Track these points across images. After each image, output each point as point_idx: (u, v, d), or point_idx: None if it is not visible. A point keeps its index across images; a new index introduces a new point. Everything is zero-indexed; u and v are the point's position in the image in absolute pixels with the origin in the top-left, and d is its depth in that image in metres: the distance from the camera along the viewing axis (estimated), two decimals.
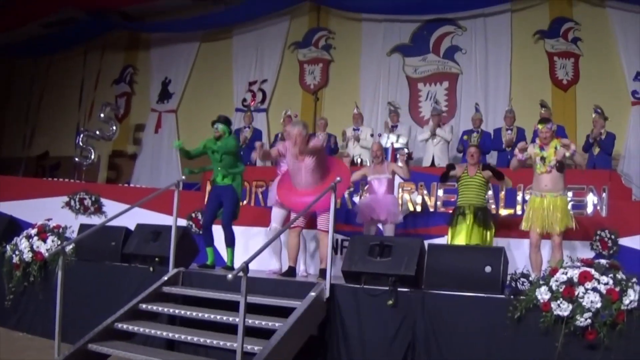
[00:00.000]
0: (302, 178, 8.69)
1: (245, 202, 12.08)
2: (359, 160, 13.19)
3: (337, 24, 17.83)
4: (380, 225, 10.38)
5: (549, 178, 8.66)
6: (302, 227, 8.95)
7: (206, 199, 10.24)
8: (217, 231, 9.77)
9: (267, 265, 10.34)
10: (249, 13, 18.03)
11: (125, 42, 21.12)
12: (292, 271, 8.86)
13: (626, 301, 5.84)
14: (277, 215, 10.26)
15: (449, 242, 9.67)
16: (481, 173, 9.64)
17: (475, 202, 9.54)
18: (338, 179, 7.69)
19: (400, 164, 10.48)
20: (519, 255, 9.95)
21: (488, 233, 9.45)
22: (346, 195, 11.70)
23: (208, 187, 10.91)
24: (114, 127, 18.47)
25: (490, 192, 10.37)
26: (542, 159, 8.72)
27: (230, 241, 9.58)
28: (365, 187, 10.90)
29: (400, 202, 11.34)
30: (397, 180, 11.14)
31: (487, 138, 13.05)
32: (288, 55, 18.21)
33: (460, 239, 9.42)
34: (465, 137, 13.08)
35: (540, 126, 8.94)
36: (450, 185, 10.85)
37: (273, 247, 10.16)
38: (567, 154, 8.65)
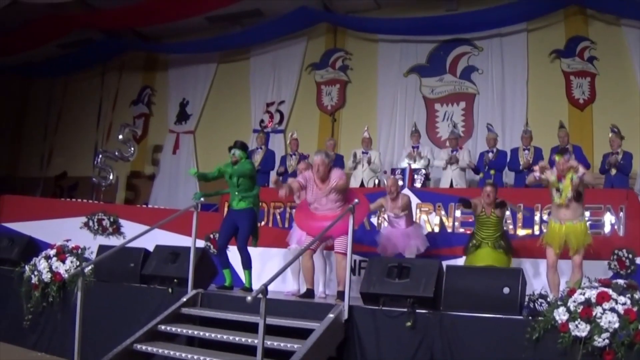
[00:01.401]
0: (323, 205, 8.79)
1: (263, 223, 12.10)
2: (377, 182, 13.24)
3: (353, 45, 17.86)
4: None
5: (568, 209, 8.65)
6: (314, 250, 8.95)
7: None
8: (235, 252, 9.80)
9: (284, 286, 10.39)
10: (266, 34, 18.08)
11: (143, 63, 21.22)
12: (310, 293, 8.88)
13: None
14: (294, 235, 10.29)
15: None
16: (495, 213, 9.62)
17: (491, 239, 9.55)
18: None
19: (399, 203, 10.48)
20: (536, 275, 9.94)
21: (507, 257, 9.45)
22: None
23: (226, 209, 10.92)
24: (132, 148, 18.53)
25: (507, 213, 10.33)
26: (558, 190, 8.71)
27: (246, 264, 9.58)
28: (384, 214, 10.87)
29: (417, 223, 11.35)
30: (415, 200, 11.16)
31: (502, 157, 13.05)
32: (305, 77, 18.24)
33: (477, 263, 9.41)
34: (485, 164, 13.05)
35: (557, 157, 8.91)
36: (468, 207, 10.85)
37: (291, 268, 10.20)
38: (575, 178, 8.63)
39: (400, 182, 12.25)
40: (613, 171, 11.98)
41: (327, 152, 9.15)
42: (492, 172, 12.93)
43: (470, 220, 10.59)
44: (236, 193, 9.73)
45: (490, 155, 13.04)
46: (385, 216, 10.69)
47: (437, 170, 13.91)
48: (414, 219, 11.03)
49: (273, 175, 10.06)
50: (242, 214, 9.68)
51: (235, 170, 9.69)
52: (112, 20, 17.86)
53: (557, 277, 8.62)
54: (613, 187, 11.76)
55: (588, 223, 8.88)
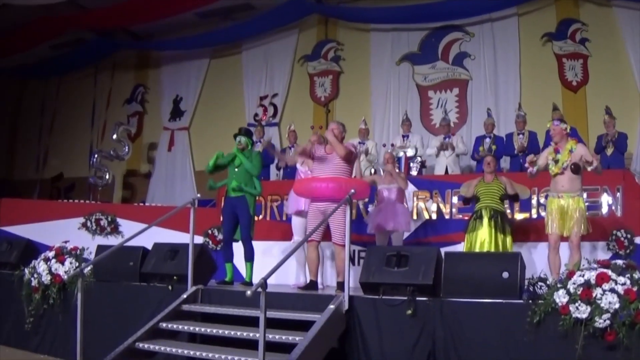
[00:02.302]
0: (323, 168, 8.88)
1: (260, 216, 12.10)
2: (370, 173, 13.27)
3: (345, 36, 17.85)
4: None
5: (565, 179, 8.63)
6: (318, 240, 8.97)
7: (221, 215, 10.22)
8: (236, 246, 9.82)
9: (290, 279, 10.43)
10: (257, 28, 18.03)
11: (135, 62, 21.21)
12: (313, 285, 8.91)
13: None
14: (297, 227, 10.34)
15: (465, 249, 9.68)
16: (499, 180, 9.66)
17: (492, 204, 9.57)
18: (352, 191, 7.72)
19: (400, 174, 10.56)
20: (535, 259, 9.98)
21: (507, 239, 9.46)
22: (361, 206, 11.71)
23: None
24: (127, 147, 18.52)
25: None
26: (555, 161, 8.71)
27: (249, 256, 9.63)
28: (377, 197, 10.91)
29: (414, 210, 11.35)
30: (412, 188, 11.17)
31: (500, 143, 13.07)
32: (298, 69, 18.23)
33: (478, 244, 9.43)
34: (481, 149, 13.04)
35: (548, 124, 8.96)
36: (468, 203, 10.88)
37: (298, 261, 10.25)
38: (574, 149, 8.65)
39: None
40: (609, 150, 12.01)
41: (342, 123, 9.23)
42: (493, 147, 12.98)
43: (468, 206, 10.60)
44: (234, 177, 9.80)
45: (488, 140, 13.05)
46: (378, 191, 10.70)
47: (431, 158, 13.93)
48: (410, 208, 11.07)
49: (265, 141, 10.08)
50: (240, 201, 9.71)
51: (245, 160, 9.81)
52: (103, 19, 17.85)
53: (559, 259, 8.62)
54: (609, 167, 11.78)
55: (586, 204, 8.87)
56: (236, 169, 9.83)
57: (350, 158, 8.89)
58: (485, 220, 9.51)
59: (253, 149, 10.29)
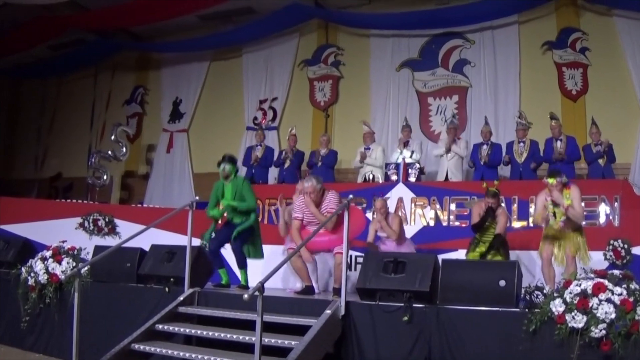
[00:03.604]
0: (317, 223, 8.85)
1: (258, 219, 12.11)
2: (370, 177, 13.28)
3: (345, 41, 17.86)
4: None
5: (565, 226, 8.73)
6: (311, 259, 9.10)
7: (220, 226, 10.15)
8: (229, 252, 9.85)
9: (285, 283, 10.44)
10: (258, 31, 18.06)
11: (136, 63, 21.22)
12: (309, 290, 8.93)
13: None
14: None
15: None
16: (494, 223, 9.68)
17: (489, 239, 9.63)
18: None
19: (391, 226, 10.52)
20: (532, 268, 9.98)
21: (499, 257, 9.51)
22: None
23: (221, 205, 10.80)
24: (125, 148, 18.54)
25: (503, 205, 10.33)
26: (554, 215, 8.76)
27: (241, 264, 9.57)
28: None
29: (412, 217, 11.36)
30: (410, 195, 11.18)
31: (497, 150, 13.06)
32: (298, 73, 18.23)
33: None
34: (481, 159, 13.09)
35: (550, 180, 8.87)
36: (463, 199, 10.87)
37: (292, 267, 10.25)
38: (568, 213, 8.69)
39: (395, 177, 12.31)
40: (602, 161, 12.08)
41: (317, 178, 9.14)
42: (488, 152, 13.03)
43: (465, 213, 10.62)
44: (230, 213, 9.70)
45: (485, 147, 13.06)
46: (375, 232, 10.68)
47: (432, 162, 13.94)
48: (408, 219, 11.09)
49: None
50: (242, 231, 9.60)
51: (233, 188, 9.66)
52: (104, 20, 17.85)
53: (553, 270, 8.65)
54: (604, 177, 11.83)
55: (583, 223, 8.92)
56: (230, 197, 9.70)
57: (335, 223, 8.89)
58: (483, 247, 9.57)
59: (237, 176, 9.94)
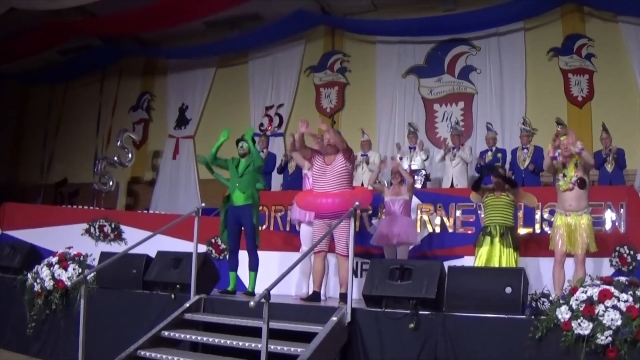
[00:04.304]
0: (326, 180, 8.88)
1: (264, 226, 12.08)
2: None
3: (351, 47, 17.90)
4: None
5: (572, 196, 8.63)
6: (326, 250, 9.00)
7: (225, 222, 10.15)
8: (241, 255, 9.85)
9: (291, 289, 10.42)
10: (264, 38, 18.10)
11: (142, 69, 21.28)
12: (316, 296, 8.91)
13: None
14: (305, 236, 10.31)
15: (476, 262, 9.65)
16: (505, 193, 9.66)
17: (501, 221, 9.54)
18: (357, 203, 7.75)
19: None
20: (538, 274, 9.94)
21: (516, 254, 9.44)
22: (365, 218, 11.70)
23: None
24: (130, 154, 18.58)
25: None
26: (564, 175, 8.73)
27: (253, 265, 9.61)
28: (383, 210, 10.92)
29: (418, 223, 11.34)
30: (416, 201, 11.17)
31: (502, 156, 13.05)
32: (304, 79, 18.28)
33: (486, 259, 9.41)
34: (481, 162, 13.11)
35: (562, 138, 8.93)
36: (469, 206, 10.85)
37: (303, 272, 10.23)
38: (579, 162, 8.64)
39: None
40: (610, 167, 12.06)
41: (338, 131, 9.38)
42: (499, 155, 13.08)
43: (472, 220, 10.60)
44: (237, 184, 9.75)
45: (490, 154, 13.06)
46: (384, 203, 10.73)
47: (438, 169, 13.95)
48: (414, 219, 11.07)
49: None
50: (244, 210, 9.66)
51: (247, 160, 9.84)
52: (111, 26, 17.91)
53: (563, 274, 8.57)
54: (611, 183, 11.81)
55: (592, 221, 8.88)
56: (240, 177, 9.79)
57: (349, 157, 8.95)
58: (497, 239, 9.48)
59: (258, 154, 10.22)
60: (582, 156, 8.59)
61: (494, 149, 13.24)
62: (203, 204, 9.71)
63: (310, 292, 9.34)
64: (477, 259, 9.59)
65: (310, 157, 9.16)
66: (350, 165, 8.98)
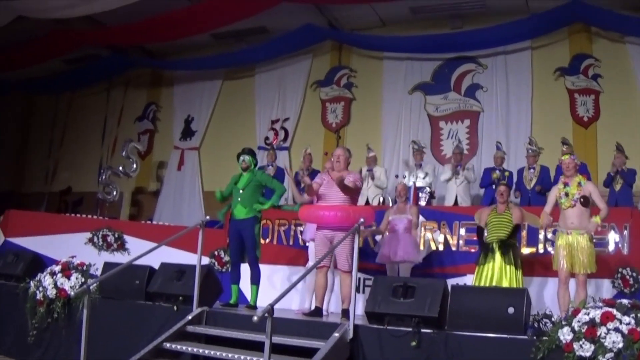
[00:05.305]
0: (331, 196, 8.93)
1: (267, 240, 12.09)
2: (380, 200, 13.30)
3: (358, 63, 17.90)
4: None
5: (574, 214, 8.67)
6: (328, 266, 9.02)
7: (228, 237, 10.20)
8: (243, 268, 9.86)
9: (293, 304, 10.42)
10: (271, 51, 18.12)
11: (148, 80, 21.29)
12: (318, 311, 8.92)
13: None
14: (313, 252, 10.30)
15: (475, 280, 9.66)
16: (510, 211, 9.68)
17: (503, 237, 9.56)
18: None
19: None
20: (541, 294, 9.94)
21: (518, 273, 9.44)
22: (368, 236, 11.67)
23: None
24: (135, 164, 18.62)
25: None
26: (566, 194, 8.76)
27: (255, 279, 9.66)
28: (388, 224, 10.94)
29: (422, 241, 11.34)
30: (420, 218, 11.17)
31: (509, 178, 13.03)
32: (310, 94, 18.26)
33: (488, 277, 9.42)
34: (494, 175, 13.10)
35: (564, 157, 9.00)
36: (473, 224, 10.84)
37: (307, 287, 10.23)
38: (583, 184, 8.74)
39: None
40: (617, 186, 12.07)
41: (348, 149, 9.39)
42: (506, 173, 13.08)
43: (475, 238, 10.58)
44: (239, 199, 9.80)
45: (498, 172, 13.05)
46: (388, 221, 10.74)
47: (441, 187, 13.95)
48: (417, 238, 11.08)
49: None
50: (245, 224, 9.74)
51: (248, 178, 9.86)
52: (119, 36, 17.90)
53: (569, 295, 8.59)
54: (617, 204, 11.79)
55: (594, 242, 8.89)
56: (241, 191, 9.85)
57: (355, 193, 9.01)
58: (498, 254, 9.50)
59: (256, 168, 10.31)
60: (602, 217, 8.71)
61: (501, 168, 13.23)
62: (207, 217, 9.74)
63: (313, 307, 9.34)
64: (476, 275, 9.63)
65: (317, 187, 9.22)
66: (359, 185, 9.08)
